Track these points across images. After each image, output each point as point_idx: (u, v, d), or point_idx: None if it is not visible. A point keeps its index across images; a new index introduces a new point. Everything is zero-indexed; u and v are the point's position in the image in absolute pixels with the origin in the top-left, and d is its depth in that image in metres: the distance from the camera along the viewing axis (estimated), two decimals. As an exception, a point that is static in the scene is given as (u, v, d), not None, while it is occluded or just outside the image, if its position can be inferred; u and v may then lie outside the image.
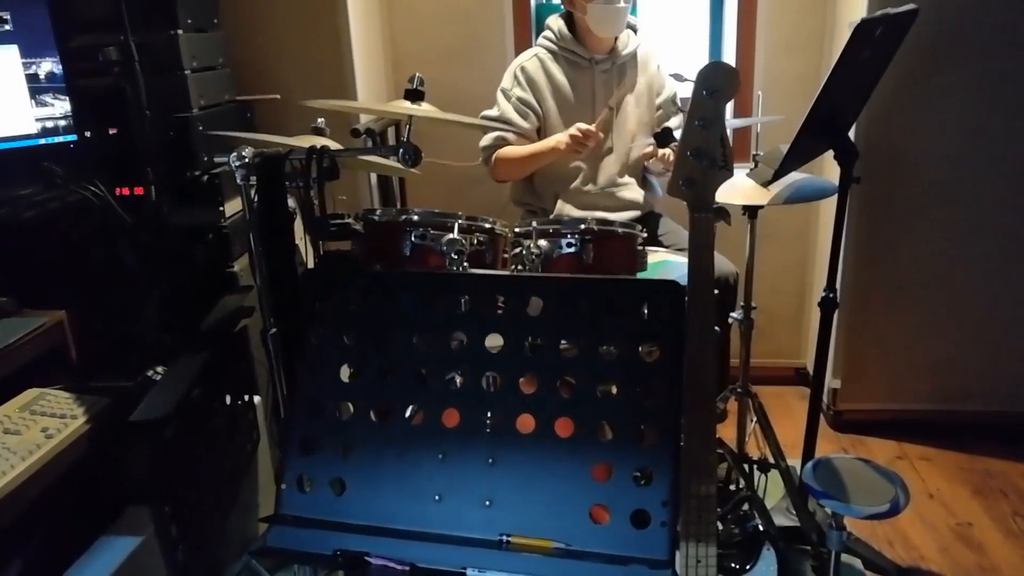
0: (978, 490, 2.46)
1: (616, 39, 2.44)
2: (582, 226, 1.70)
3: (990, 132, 2.48)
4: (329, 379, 1.06)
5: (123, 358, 1.68)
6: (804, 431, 2.03)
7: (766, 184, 1.70)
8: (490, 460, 0.97)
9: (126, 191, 2.08)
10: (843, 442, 2.74)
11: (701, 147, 1.35)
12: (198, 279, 1.99)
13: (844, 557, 2.25)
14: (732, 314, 2.16)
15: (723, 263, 2.29)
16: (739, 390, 2.17)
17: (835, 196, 1.82)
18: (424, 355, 1.04)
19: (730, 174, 1.37)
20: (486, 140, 2.46)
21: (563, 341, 0.95)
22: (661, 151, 2.25)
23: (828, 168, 2.60)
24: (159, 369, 1.51)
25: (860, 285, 2.66)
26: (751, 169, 1.88)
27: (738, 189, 1.91)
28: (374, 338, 1.06)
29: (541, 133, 2.48)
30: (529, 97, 2.43)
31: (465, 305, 1.03)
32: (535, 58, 2.47)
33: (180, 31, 2.10)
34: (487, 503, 0.96)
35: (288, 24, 2.59)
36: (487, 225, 1.78)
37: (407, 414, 1.04)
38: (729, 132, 2.96)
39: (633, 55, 2.48)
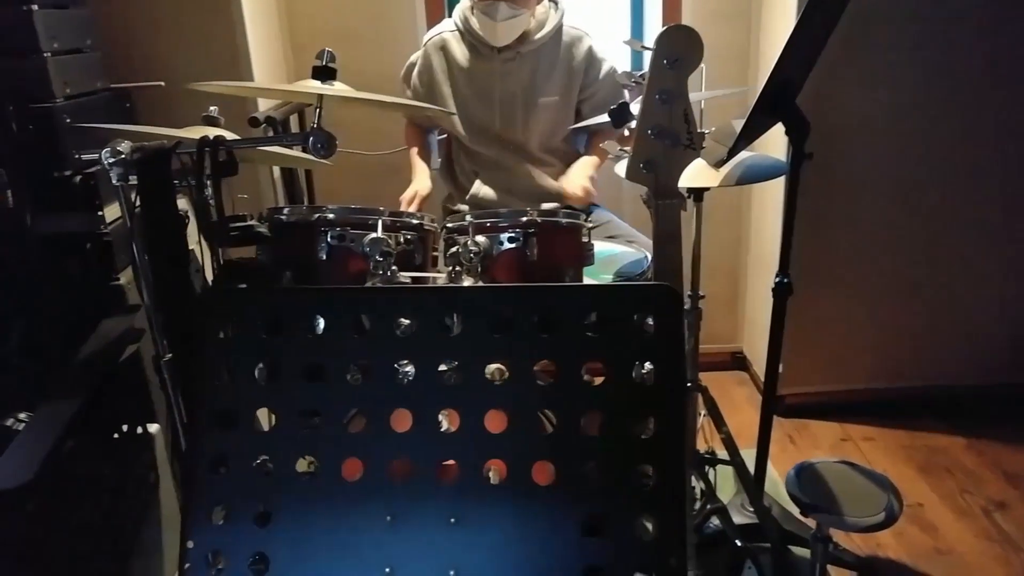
0: (924, 468, 2.43)
1: (529, 22, 2.23)
2: (524, 218, 1.51)
3: (928, 104, 2.42)
4: (240, 428, 0.84)
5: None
6: (750, 420, 1.93)
7: (718, 164, 1.55)
8: (452, 519, 0.77)
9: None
10: (787, 427, 2.67)
11: (663, 125, 1.18)
12: (73, 299, 1.69)
13: (797, 549, 2.17)
14: (679, 304, 2.03)
15: None
16: (688, 384, 2.04)
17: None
18: (360, 390, 0.83)
19: (696, 154, 1.22)
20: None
21: (537, 366, 0.76)
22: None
23: (770, 144, 2.50)
24: (21, 416, 1.23)
25: (799, 268, 2.57)
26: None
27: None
28: (293, 372, 0.84)
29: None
30: (424, 90, 2.31)
31: (409, 324, 0.82)
32: (440, 37, 2.28)
33: (35, 6, 1.78)
34: (451, 574, 0.77)
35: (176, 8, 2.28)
36: (414, 221, 1.57)
37: (342, 466, 0.82)
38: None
39: (556, 33, 2.27)
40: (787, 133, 1.66)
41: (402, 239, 1.51)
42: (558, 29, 2.28)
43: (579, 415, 0.75)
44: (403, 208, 2.14)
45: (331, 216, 1.49)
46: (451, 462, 0.78)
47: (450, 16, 2.33)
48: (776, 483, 2.34)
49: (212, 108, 1.84)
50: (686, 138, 1.19)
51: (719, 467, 2.13)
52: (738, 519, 2.06)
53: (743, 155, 1.84)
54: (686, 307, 2.00)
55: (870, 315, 2.62)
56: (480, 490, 0.77)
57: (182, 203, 1.42)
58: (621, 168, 1.57)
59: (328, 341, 0.82)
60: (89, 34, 2.03)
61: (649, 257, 1.91)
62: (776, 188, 2.47)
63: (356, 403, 0.82)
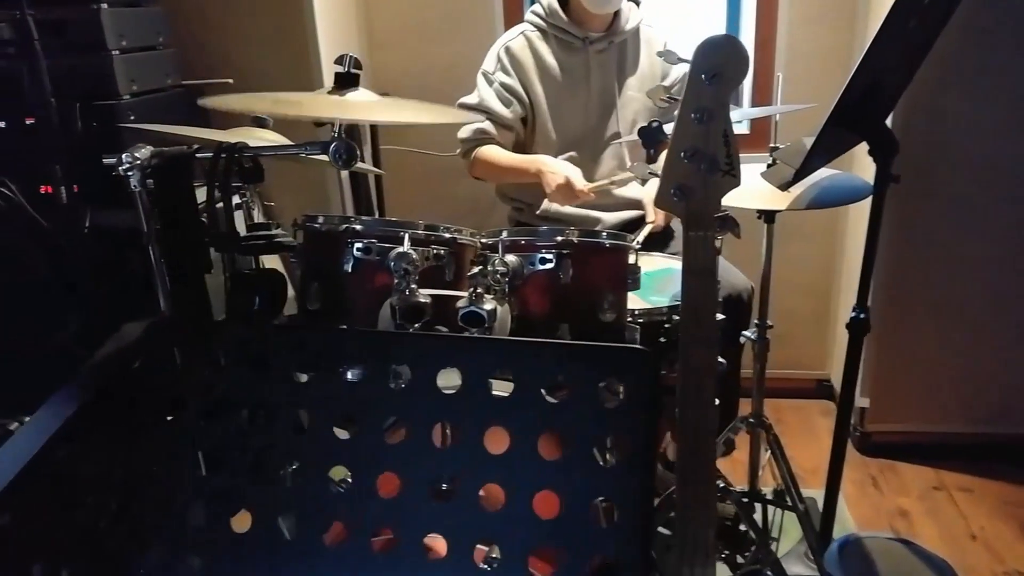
0: (1027, 529, 2.16)
1: (615, 14, 2.12)
2: (559, 237, 1.40)
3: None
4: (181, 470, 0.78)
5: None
6: (828, 457, 1.74)
7: (784, 187, 1.39)
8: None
9: (49, 190, 1.81)
10: (871, 468, 2.43)
11: (698, 147, 1.04)
12: (115, 297, 1.71)
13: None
14: (744, 332, 1.86)
15: (735, 277, 1.98)
16: (751, 420, 1.87)
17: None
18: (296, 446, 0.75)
19: (736, 182, 1.07)
20: (465, 131, 2.16)
21: (486, 433, 0.66)
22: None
23: (859, 163, 2.27)
24: (26, 419, 1.24)
25: (892, 293, 2.34)
26: (767, 166, 1.56)
27: (752, 189, 1.59)
28: (243, 411, 0.78)
29: (528, 123, 2.17)
30: (513, 83, 2.12)
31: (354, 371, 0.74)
32: (522, 36, 2.15)
33: (104, 5, 1.81)
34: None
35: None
36: (446, 235, 1.48)
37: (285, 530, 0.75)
38: (745, 125, 2.67)
39: (636, 32, 2.17)
40: (870, 153, 1.47)
41: (431, 254, 1.43)
42: (638, 28, 2.16)
43: (530, 491, 0.64)
44: (577, 197, 1.94)
45: (359, 227, 1.43)
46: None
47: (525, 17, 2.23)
48: (850, 529, 2.12)
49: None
50: (724, 163, 1.05)
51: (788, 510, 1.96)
52: (797, 569, 1.88)
53: (821, 174, 1.66)
54: (751, 336, 1.84)
55: (974, 349, 2.35)
56: (416, 567, 0.68)
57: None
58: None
59: (271, 380, 0.75)
60: (162, 32, 2.07)
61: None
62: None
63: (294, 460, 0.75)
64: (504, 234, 1.44)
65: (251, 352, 0.75)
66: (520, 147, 2.19)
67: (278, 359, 0.74)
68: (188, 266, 1.29)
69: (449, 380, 0.68)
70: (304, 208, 2.45)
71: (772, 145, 1.68)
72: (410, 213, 2.81)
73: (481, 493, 0.67)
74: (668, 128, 1.08)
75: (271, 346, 0.74)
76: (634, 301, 1.64)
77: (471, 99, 2.17)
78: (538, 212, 2.19)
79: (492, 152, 2.13)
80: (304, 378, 0.74)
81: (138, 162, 1.23)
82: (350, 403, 0.72)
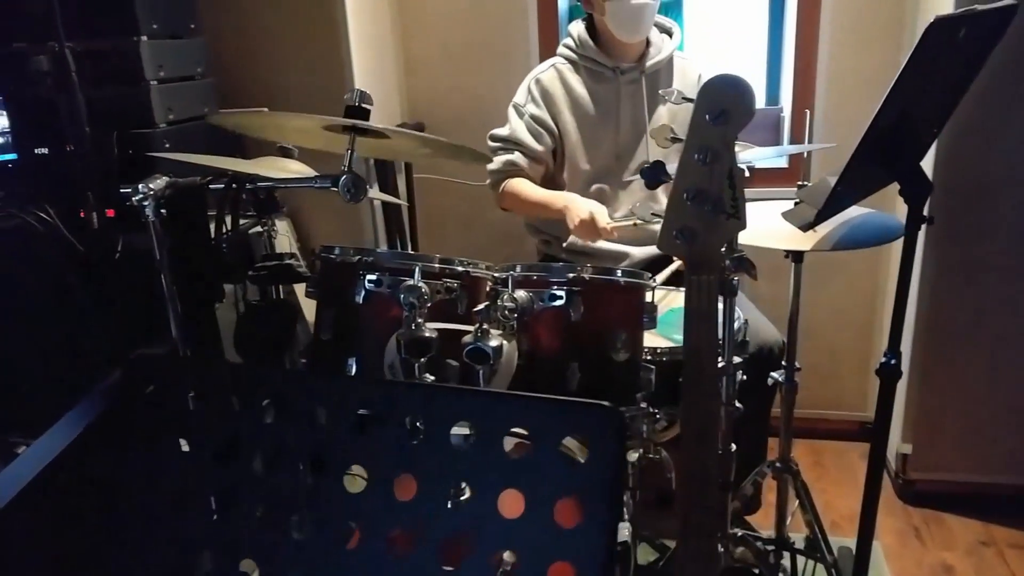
0: (1083, 592, 2.02)
1: (647, 44, 2.10)
2: (571, 274, 1.37)
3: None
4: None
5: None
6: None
7: (806, 228, 1.33)
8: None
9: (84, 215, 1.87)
10: (914, 518, 2.31)
11: (703, 188, 1.01)
12: (139, 321, 1.75)
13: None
14: (772, 374, 1.79)
15: (766, 331, 1.91)
16: (777, 465, 1.80)
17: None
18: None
19: (741, 225, 1.03)
20: (495, 163, 2.15)
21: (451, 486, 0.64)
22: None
23: (894, 199, 2.18)
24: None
25: (937, 334, 2.23)
26: (794, 204, 1.51)
27: (778, 228, 1.54)
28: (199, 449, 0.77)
29: (558, 155, 2.15)
30: (544, 115, 2.11)
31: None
32: (552, 69, 2.15)
33: (143, 37, 1.87)
34: None
35: (282, 26, 2.34)
36: (459, 268, 1.47)
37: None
38: (784, 159, 2.60)
39: (668, 62, 2.14)
40: (901, 193, 1.41)
41: (443, 288, 1.42)
42: (671, 58, 2.13)
43: (488, 551, 0.61)
44: (600, 234, 1.89)
45: (371, 259, 1.43)
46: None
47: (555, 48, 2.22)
48: (887, 585, 2.02)
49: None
50: (729, 205, 1.01)
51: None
52: (827, 627, 1.79)
53: (852, 212, 1.60)
54: (779, 379, 1.78)
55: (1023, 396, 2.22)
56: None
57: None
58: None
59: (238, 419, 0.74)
60: (201, 62, 2.12)
61: (742, 319, 1.68)
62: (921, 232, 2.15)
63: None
64: (517, 268, 1.43)
65: (217, 393, 0.74)
66: (550, 180, 2.18)
67: (241, 397, 0.73)
68: (198, 295, 1.30)
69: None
70: (339, 236, 2.50)
71: (799, 183, 1.63)
72: (442, 242, 2.84)
73: (440, 548, 0.64)
74: (672, 168, 1.05)
75: (233, 386, 0.73)
76: (655, 339, 1.60)
77: (502, 131, 2.16)
78: (565, 245, 2.16)
79: (521, 185, 2.12)
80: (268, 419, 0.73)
81: (152, 192, 1.26)
82: (313, 446, 0.70)
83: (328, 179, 1.28)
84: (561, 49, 2.17)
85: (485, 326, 1.30)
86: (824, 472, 2.55)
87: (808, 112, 1.76)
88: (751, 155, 1.59)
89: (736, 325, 1.63)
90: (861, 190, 1.44)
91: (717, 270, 1.04)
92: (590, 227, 1.90)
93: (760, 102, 2.83)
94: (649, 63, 2.09)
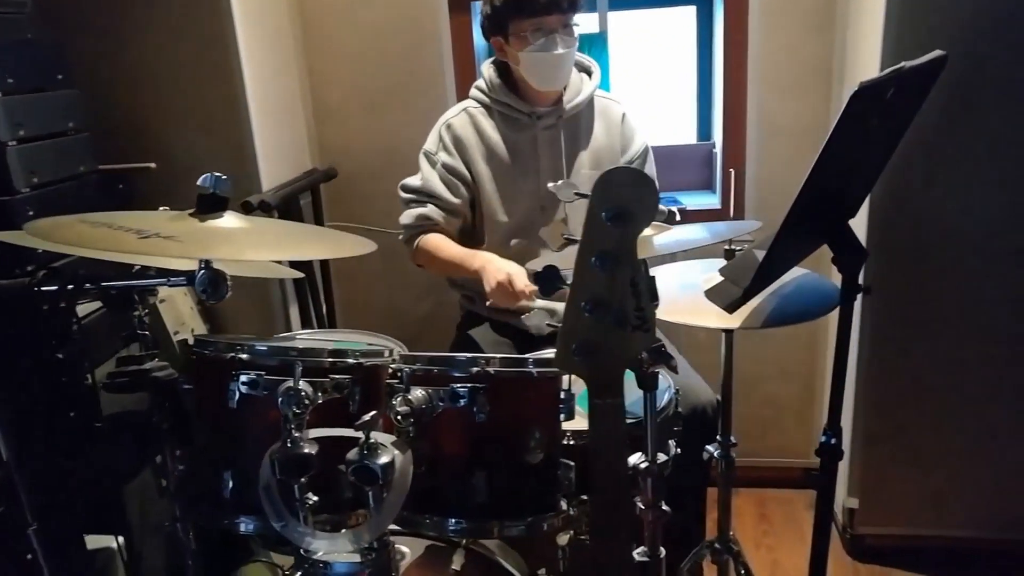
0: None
1: (564, 87, 1.96)
2: (474, 368, 1.21)
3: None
4: None
5: None
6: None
7: (730, 309, 1.19)
8: None
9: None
10: (862, 574, 2.20)
11: (602, 298, 0.86)
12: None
13: None
14: (707, 447, 1.66)
15: (698, 388, 1.78)
16: (717, 547, 1.66)
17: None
18: None
19: (650, 338, 0.88)
20: (407, 217, 1.99)
21: None
22: None
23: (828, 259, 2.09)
24: None
25: (882, 385, 2.13)
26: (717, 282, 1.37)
27: (701, 300, 1.39)
28: None
29: (475, 204, 2.00)
30: (457, 164, 1.96)
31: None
32: (464, 113, 2.00)
33: (-2, 93, 1.66)
34: None
35: (173, 76, 2.13)
36: (351, 361, 1.29)
37: None
38: (717, 198, 2.48)
39: (589, 103, 2.00)
40: (834, 261, 1.28)
41: (329, 386, 1.24)
42: (591, 97, 2.00)
43: None
44: (518, 298, 1.74)
45: (244, 356, 1.24)
46: None
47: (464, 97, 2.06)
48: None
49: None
50: (635, 317, 0.86)
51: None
52: None
53: (784, 278, 1.47)
54: (715, 453, 1.64)
55: (973, 452, 2.13)
56: None
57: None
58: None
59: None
60: (72, 116, 1.91)
61: (672, 388, 1.52)
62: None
63: None
64: (417, 363, 1.26)
65: None
66: (469, 233, 2.02)
67: None
68: (37, 417, 1.10)
69: None
70: (247, 314, 2.29)
71: (727, 247, 1.50)
72: (365, 302, 2.65)
73: None
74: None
75: None
76: (576, 421, 1.44)
77: (414, 181, 2.00)
78: (488, 304, 2.00)
79: (435, 241, 1.95)
80: None
81: (-34, 300, 1.06)
82: None
83: (183, 277, 1.10)
84: (473, 92, 2.02)
85: (372, 439, 1.13)
86: (771, 527, 2.44)
87: (732, 172, 1.64)
88: (674, 242, 1.44)
89: (667, 397, 1.49)
90: (791, 260, 1.31)
91: (622, 391, 0.89)
92: (506, 291, 1.74)
93: (691, 137, 2.73)
94: (568, 106, 1.95)
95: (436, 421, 1.22)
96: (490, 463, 1.23)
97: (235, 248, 1.21)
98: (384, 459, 1.12)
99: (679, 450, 1.52)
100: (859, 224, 2.11)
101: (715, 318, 1.33)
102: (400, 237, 2.03)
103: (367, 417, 1.12)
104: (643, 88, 2.83)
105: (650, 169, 2.10)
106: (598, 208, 0.84)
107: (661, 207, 2.12)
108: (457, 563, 1.40)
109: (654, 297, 0.86)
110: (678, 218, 2.42)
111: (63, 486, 1.20)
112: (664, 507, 1.36)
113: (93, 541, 1.72)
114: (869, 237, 1.99)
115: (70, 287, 1.08)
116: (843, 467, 2.24)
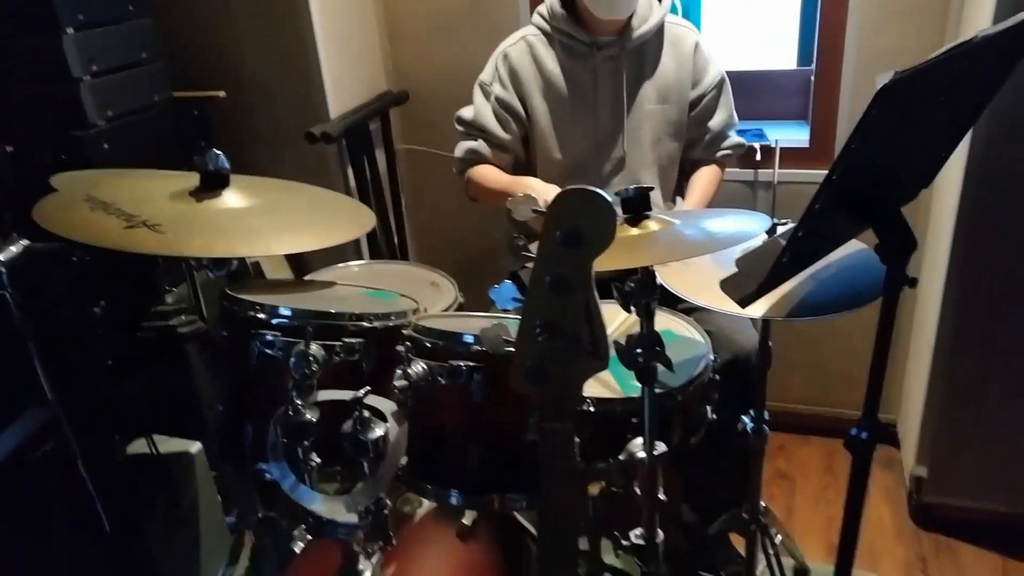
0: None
1: (630, 15, 1.82)
2: (474, 347, 1.20)
3: None
4: None
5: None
6: (881, 522, 1.44)
7: (745, 303, 1.11)
8: None
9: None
10: (925, 545, 2.11)
11: (555, 323, 0.83)
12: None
13: None
14: (743, 417, 1.59)
15: (741, 332, 1.68)
16: (744, 516, 1.62)
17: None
18: None
19: (603, 364, 0.85)
20: (459, 150, 1.96)
21: None
22: None
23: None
24: None
25: (957, 355, 1.96)
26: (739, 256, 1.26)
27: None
28: None
29: (529, 142, 1.93)
30: (511, 98, 1.88)
31: None
32: (523, 42, 1.90)
33: (69, 30, 1.72)
34: None
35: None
36: (366, 325, 1.32)
37: None
38: (803, 139, 2.25)
39: (657, 32, 1.85)
40: (878, 249, 1.16)
41: (340, 350, 1.27)
42: (661, 25, 1.85)
43: None
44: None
45: (261, 316, 1.29)
46: None
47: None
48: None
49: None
50: (588, 343, 0.82)
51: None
52: None
53: (830, 256, 1.35)
54: (749, 429, 1.58)
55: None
56: None
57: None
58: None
59: None
60: (147, 46, 1.96)
61: (706, 354, 1.45)
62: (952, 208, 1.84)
63: None
64: (422, 336, 1.26)
65: None
66: (521, 171, 1.96)
67: None
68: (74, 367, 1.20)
69: None
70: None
71: (773, 220, 1.37)
72: (431, 225, 2.64)
73: None
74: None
75: None
76: (595, 386, 1.40)
77: (467, 113, 1.95)
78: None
79: (483, 172, 1.92)
80: None
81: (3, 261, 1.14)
82: None
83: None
84: (534, 18, 1.91)
85: (365, 414, 1.16)
86: (833, 481, 2.36)
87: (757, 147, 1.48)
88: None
89: (703, 364, 1.41)
90: (822, 250, 1.19)
91: (575, 416, 0.86)
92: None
93: (791, 62, 2.49)
94: (630, 42, 1.81)
95: (437, 395, 1.23)
96: (486, 440, 1.23)
97: (226, 244, 1.20)
98: (375, 433, 1.15)
99: (715, 416, 1.48)
100: (951, 185, 1.89)
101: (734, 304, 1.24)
102: (454, 169, 2.00)
103: (360, 392, 1.15)
104: (743, 4, 2.58)
105: (726, 102, 1.95)
106: (552, 230, 0.79)
107: (741, 141, 2.00)
108: (469, 517, 1.44)
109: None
110: (758, 156, 2.28)
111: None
112: (661, 496, 1.35)
113: (169, 445, 1.88)
114: (963, 199, 1.78)
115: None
116: (913, 435, 2.12)
